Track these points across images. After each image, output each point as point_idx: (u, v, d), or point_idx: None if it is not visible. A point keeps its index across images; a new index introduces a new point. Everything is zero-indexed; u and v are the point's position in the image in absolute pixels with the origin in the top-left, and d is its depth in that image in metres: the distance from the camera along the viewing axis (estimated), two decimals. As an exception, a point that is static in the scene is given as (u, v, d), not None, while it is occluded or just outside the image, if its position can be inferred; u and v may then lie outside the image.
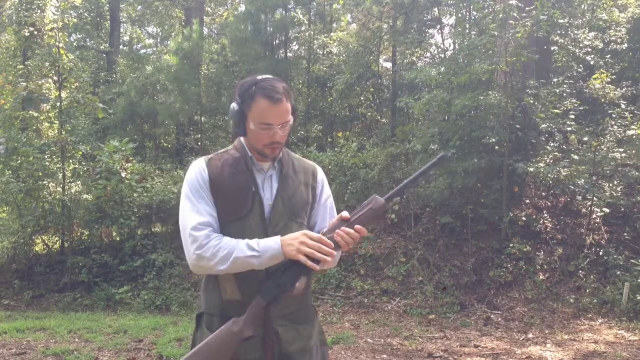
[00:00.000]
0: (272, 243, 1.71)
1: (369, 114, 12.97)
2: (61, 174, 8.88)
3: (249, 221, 1.80)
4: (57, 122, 9.38)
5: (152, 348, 5.23)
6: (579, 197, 7.87)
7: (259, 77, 1.81)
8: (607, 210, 7.29)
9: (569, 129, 7.94)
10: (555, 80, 8.87)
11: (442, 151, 7.90)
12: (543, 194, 8.27)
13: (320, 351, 1.94)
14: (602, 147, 7.69)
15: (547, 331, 5.94)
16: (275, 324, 1.79)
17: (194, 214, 1.77)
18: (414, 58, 12.21)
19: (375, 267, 7.71)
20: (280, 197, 1.85)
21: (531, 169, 7.35)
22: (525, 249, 7.22)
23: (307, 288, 1.91)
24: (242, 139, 1.90)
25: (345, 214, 1.76)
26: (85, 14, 16.34)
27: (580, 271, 7.00)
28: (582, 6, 10.37)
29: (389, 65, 14.04)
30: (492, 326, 6.19)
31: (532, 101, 7.76)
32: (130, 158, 9.20)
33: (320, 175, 1.99)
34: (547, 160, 7.77)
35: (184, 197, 1.83)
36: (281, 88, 1.78)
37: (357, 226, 1.72)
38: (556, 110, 7.81)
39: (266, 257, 1.70)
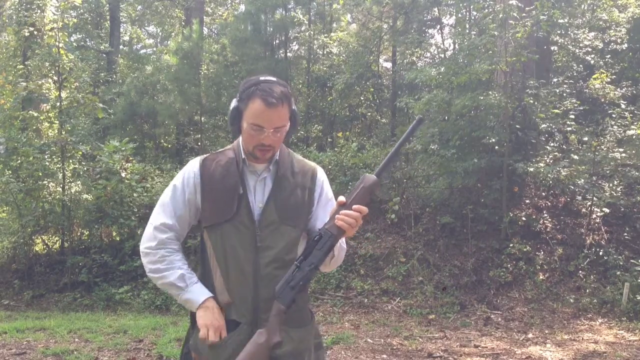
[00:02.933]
0: (197, 296, 1.80)
1: (369, 114, 12.97)
2: (61, 174, 8.88)
3: (237, 224, 1.79)
4: (57, 122, 9.38)
5: (152, 348, 5.23)
6: (579, 197, 7.87)
7: (262, 78, 1.80)
8: (607, 210, 7.29)
9: (569, 129, 7.95)
10: (555, 80, 8.88)
11: (442, 151, 7.91)
12: (543, 194, 8.26)
13: (315, 355, 1.92)
14: (602, 147, 7.69)
15: (547, 331, 5.94)
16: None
17: (163, 212, 1.86)
18: (414, 58, 12.22)
19: (375, 267, 7.71)
20: (273, 200, 1.83)
21: (531, 169, 7.35)
22: (525, 249, 7.22)
23: (304, 292, 1.91)
24: (240, 140, 1.90)
25: (341, 198, 1.75)
26: (86, 14, 16.34)
27: (580, 271, 7.00)
28: (582, 6, 10.37)
29: (389, 65, 14.05)
30: (492, 326, 6.19)
31: (532, 101, 7.76)
32: (130, 158, 9.20)
33: (321, 177, 1.96)
34: (547, 160, 7.77)
35: (166, 190, 1.89)
36: (280, 93, 1.76)
37: (355, 206, 1.70)
38: (556, 110, 7.81)
39: (183, 299, 1.82)
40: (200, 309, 1.77)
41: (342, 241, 1.87)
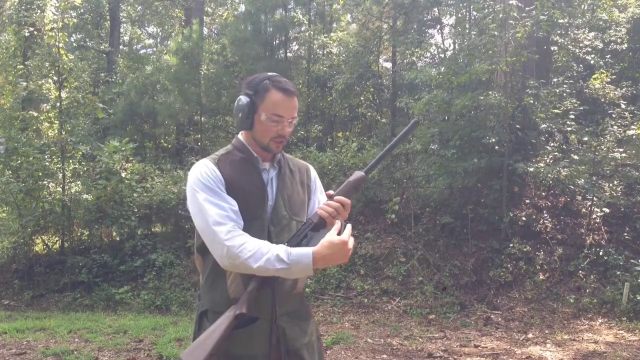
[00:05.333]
0: (305, 261, 1.67)
1: (369, 114, 12.97)
2: (61, 174, 8.88)
3: (260, 222, 1.82)
4: (57, 122, 9.38)
5: (152, 348, 5.23)
6: (579, 197, 7.87)
7: (270, 74, 1.86)
8: (607, 210, 7.29)
9: (569, 129, 7.94)
10: (555, 80, 8.87)
11: (442, 151, 7.91)
12: (543, 194, 8.26)
13: (317, 346, 2.00)
14: (602, 147, 7.69)
15: (547, 331, 5.94)
16: (281, 320, 1.83)
17: (211, 212, 1.73)
18: (414, 58, 12.19)
19: (375, 267, 7.71)
20: (281, 197, 1.88)
21: (531, 169, 7.35)
22: (525, 249, 7.22)
23: (304, 286, 1.99)
24: (241, 138, 1.91)
25: (329, 191, 1.86)
26: (86, 14, 16.33)
27: (580, 271, 7.00)
28: (582, 6, 10.37)
29: (389, 65, 14.05)
30: (492, 326, 6.19)
31: (532, 101, 7.76)
32: (130, 158, 9.20)
33: (314, 173, 2.05)
34: (547, 160, 7.77)
35: (197, 197, 1.77)
36: (292, 84, 1.86)
37: (337, 197, 1.80)
38: (556, 110, 7.81)
39: (296, 271, 1.69)
40: (318, 261, 1.67)
41: None
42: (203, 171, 1.81)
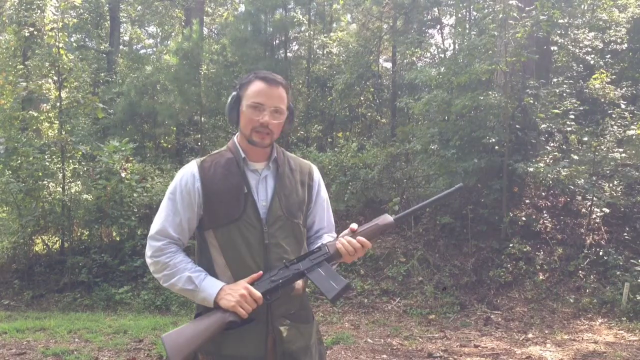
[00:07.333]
0: (210, 288, 1.76)
1: (369, 114, 12.97)
2: (61, 174, 8.88)
3: (245, 223, 1.81)
4: (57, 122, 9.39)
5: (152, 348, 5.23)
6: (579, 197, 7.87)
7: (259, 71, 1.92)
8: (607, 210, 7.29)
9: (569, 129, 7.94)
10: (555, 80, 8.86)
11: (442, 151, 7.92)
12: (543, 194, 8.26)
13: (318, 349, 1.97)
14: (602, 147, 7.68)
15: (547, 331, 5.94)
16: (278, 323, 1.81)
17: (159, 222, 1.85)
18: (414, 58, 12.20)
19: (375, 267, 7.71)
20: (277, 197, 1.86)
21: (531, 169, 7.35)
22: (525, 249, 7.22)
23: (304, 288, 1.95)
24: (235, 139, 1.92)
25: (354, 225, 1.81)
26: (85, 14, 16.33)
27: (580, 271, 7.00)
28: (582, 6, 10.35)
29: (389, 65, 14.05)
30: (492, 326, 6.19)
31: (532, 101, 7.76)
32: (130, 158, 9.20)
33: (317, 174, 2.01)
34: (547, 160, 7.77)
35: (164, 199, 1.89)
36: (279, 77, 1.85)
37: (360, 237, 1.76)
38: (556, 110, 7.81)
39: (199, 299, 1.78)
40: (219, 300, 1.75)
41: None
42: (183, 176, 1.87)
